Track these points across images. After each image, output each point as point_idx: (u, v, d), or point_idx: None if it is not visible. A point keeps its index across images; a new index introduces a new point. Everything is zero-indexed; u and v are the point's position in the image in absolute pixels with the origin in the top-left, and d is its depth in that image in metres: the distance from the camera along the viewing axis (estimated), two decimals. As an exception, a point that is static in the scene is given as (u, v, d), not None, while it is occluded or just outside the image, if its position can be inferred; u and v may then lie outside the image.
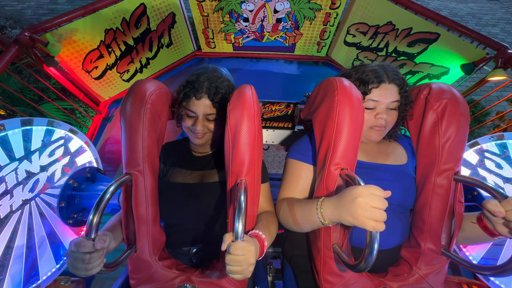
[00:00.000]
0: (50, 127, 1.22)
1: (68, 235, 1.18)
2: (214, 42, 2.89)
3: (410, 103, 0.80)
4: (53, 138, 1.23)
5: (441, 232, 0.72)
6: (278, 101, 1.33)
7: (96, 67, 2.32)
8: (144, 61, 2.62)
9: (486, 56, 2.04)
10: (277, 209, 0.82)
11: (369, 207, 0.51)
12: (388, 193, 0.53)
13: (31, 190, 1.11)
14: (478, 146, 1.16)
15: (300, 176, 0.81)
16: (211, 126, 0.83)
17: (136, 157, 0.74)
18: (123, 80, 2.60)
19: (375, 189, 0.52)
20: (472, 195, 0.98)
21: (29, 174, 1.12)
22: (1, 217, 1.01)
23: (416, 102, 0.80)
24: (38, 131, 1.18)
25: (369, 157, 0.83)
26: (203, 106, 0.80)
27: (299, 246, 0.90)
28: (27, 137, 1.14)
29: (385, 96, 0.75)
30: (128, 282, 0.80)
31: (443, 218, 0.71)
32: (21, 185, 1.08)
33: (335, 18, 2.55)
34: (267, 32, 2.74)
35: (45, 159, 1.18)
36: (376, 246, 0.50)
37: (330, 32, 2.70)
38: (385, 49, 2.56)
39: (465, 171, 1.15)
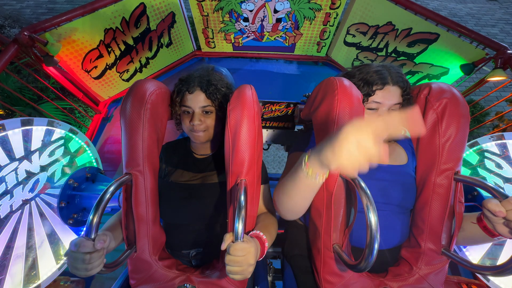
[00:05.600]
0: (50, 127, 1.22)
1: (68, 235, 1.18)
2: (214, 42, 2.89)
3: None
4: (53, 138, 1.23)
5: (441, 232, 0.72)
6: (278, 101, 1.33)
7: (96, 67, 2.31)
8: (143, 60, 2.61)
9: (486, 56, 2.04)
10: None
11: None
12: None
13: (31, 190, 1.11)
14: (478, 146, 1.17)
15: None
16: (209, 121, 0.82)
17: (136, 157, 0.74)
18: (123, 80, 2.59)
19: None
20: (472, 195, 0.98)
21: (29, 174, 1.11)
22: (1, 217, 1.01)
23: (416, 102, 0.80)
24: (38, 131, 1.17)
25: None
26: (197, 99, 0.80)
27: (299, 246, 0.90)
28: (27, 137, 1.13)
29: (388, 98, 0.74)
30: (128, 282, 0.80)
31: (443, 218, 0.71)
32: (21, 185, 1.08)
33: (335, 18, 2.55)
34: (267, 32, 2.74)
35: (45, 159, 1.17)
36: (376, 246, 0.50)
37: (330, 32, 2.70)
38: (385, 49, 2.56)
39: (465, 171, 1.15)
